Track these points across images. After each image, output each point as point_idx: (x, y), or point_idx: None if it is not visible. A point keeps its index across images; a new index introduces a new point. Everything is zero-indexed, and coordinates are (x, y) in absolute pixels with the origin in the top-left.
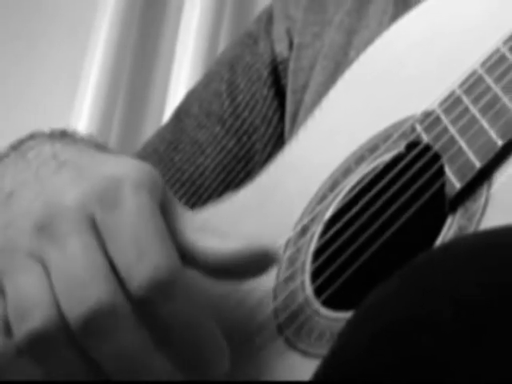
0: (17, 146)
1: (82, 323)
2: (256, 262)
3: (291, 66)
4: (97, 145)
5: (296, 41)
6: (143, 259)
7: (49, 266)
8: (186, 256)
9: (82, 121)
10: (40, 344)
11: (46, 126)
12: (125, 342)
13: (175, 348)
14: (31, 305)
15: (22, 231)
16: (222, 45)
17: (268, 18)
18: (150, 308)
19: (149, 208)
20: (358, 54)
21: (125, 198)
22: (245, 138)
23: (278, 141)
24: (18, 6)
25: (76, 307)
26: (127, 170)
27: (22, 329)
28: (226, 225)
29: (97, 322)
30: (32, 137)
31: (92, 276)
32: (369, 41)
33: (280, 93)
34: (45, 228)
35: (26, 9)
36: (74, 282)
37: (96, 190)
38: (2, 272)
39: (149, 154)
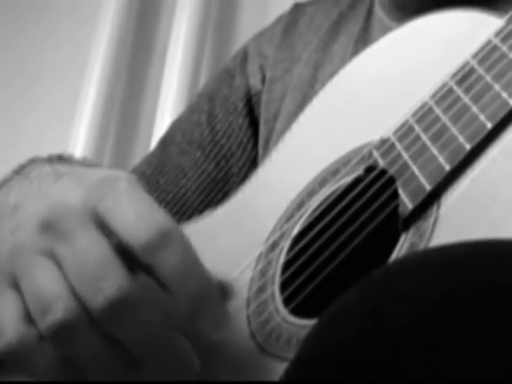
0: (19, 171)
1: (106, 310)
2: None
3: (264, 97)
4: (90, 164)
5: (268, 75)
6: (150, 228)
7: (60, 260)
8: None
9: (78, 149)
10: (64, 332)
11: (45, 153)
12: (147, 321)
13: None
14: (51, 298)
15: (28, 231)
16: (203, 80)
17: (243, 55)
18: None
19: (144, 196)
20: (323, 86)
21: (122, 190)
22: (223, 163)
23: (252, 164)
24: (18, 45)
25: (97, 296)
26: (119, 173)
27: (47, 321)
28: (204, 240)
29: (120, 306)
30: (32, 161)
31: (106, 266)
32: (332, 74)
33: (254, 122)
34: (50, 226)
35: (26, 48)
36: (90, 273)
37: (95, 189)
38: (15, 271)
39: (137, 177)
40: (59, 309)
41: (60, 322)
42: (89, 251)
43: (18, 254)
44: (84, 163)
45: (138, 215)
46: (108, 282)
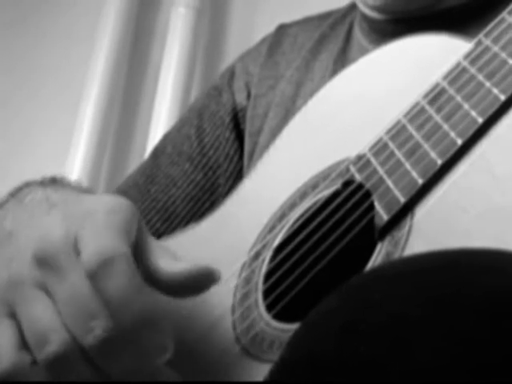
0: (14, 193)
1: (96, 348)
2: (201, 279)
3: (249, 113)
4: (81, 188)
5: (253, 92)
6: (93, 256)
7: (53, 295)
8: (151, 277)
9: (77, 160)
10: (59, 362)
11: (44, 172)
12: (133, 356)
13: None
14: (46, 331)
15: (24, 264)
16: (193, 98)
17: (230, 74)
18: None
19: (117, 223)
20: (304, 102)
21: (98, 220)
22: (210, 173)
23: (238, 175)
24: (17, 64)
25: (88, 335)
26: (101, 203)
27: (44, 352)
28: (191, 250)
29: (109, 345)
30: (27, 185)
31: (95, 305)
32: (313, 91)
33: (240, 135)
34: (43, 261)
35: (25, 67)
36: (80, 311)
37: (78, 224)
38: (13, 302)
39: (130, 186)
40: (55, 341)
41: (55, 354)
42: (78, 289)
43: (14, 286)
44: (76, 188)
45: (94, 246)
46: (97, 321)
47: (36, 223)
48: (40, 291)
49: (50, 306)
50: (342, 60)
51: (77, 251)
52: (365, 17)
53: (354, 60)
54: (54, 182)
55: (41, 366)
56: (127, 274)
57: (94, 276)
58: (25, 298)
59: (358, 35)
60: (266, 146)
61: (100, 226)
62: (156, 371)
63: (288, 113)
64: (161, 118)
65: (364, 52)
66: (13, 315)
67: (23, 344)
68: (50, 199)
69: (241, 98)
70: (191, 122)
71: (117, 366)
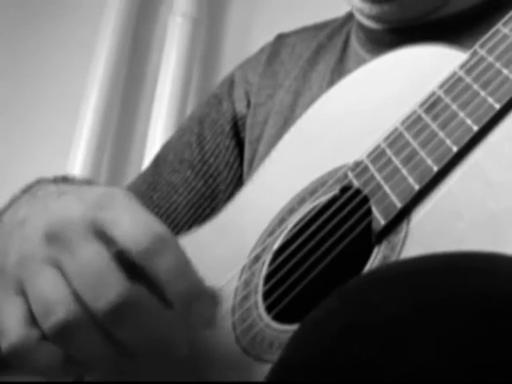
0: (26, 190)
1: (108, 313)
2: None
3: (248, 121)
4: (91, 183)
5: (253, 101)
6: (146, 234)
7: (63, 268)
8: None
9: (77, 165)
10: (65, 332)
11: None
12: (145, 319)
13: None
14: (53, 301)
15: (35, 243)
16: (190, 108)
17: (230, 82)
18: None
19: (140, 208)
20: (302, 111)
21: (119, 203)
22: (211, 180)
23: (238, 182)
24: (19, 73)
25: (100, 301)
26: (116, 189)
27: (49, 322)
28: (192, 254)
29: (120, 310)
30: (38, 182)
31: (107, 273)
32: (311, 101)
33: (240, 143)
34: (54, 237)
35: (26, 76)
36: (92, 280)
37: (94, 203)
38: (22, 278)
39: (133, 193)
40: (61, 311)
41: (62, 323)
42: (90, 260)
43: (24, 263)
44: (86, 182)
45: (134, 223)
46: (109, 287)
47: (48, 208)
48: (49, 266)
49: (58, 279)
50: (339, 70)
51: (98, 232)
52: (362, 26)
53: (351, 70)
54: (66, 180)
55: (48, 339)
56: (178, 248)
57: (149, 255)
58: (33, 273)
59: (355, 45)
60: (266, 154)
61: (128, 206)
62: (164, 341)
63: (287, 121)
64: (158, 125)
65: (361, 62)
66: (22, 292)
67: (32, 320)
68: (61, 190)
69: (241, 107)
70: (192, 129)
71: (127, 332)
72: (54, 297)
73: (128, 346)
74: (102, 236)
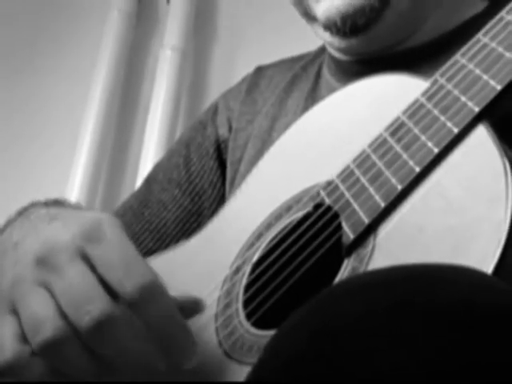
0: (22, 212)
1: (91, 329)
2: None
3: (230, 144)
4: (80, 207)
5: (234, 126)
6: (131, 272)
7: (51, 289)
8: None
9: (75, 188)
10: (52, 348)
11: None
12: (125, 336)
13: (158, 336)
14: (41, 320)
15: (26, 266)
16: (179, 132)
17: (214, 109)
18: (139, 308)
19: (124, 238)
20: (278, 134)
21: (106, 231)
22: (196, 198)
23: (221, 200)
24: (20, 104)
25: (84, 317)
26: (103, 215)
27: (38, 339)
28: (179, 265)
29: (103, 326)
30: (32, 205)
31: (92, 293)
32: (286, 126)
33: (222, 164)
34: (43, 261)
35: (28, 106)
36: (78, 298)
37: (82, 230)
38: (14, 299)
39: (125, 209)
40: (48, 329)
41: (48, 340)
42: (76, 280)
43: (17, 285)
44: (75, 207)
45: (126, 269)
46: (93, 305)
47: (38, 232)
48: (39, 287)
49: (47, 299)
50: (312, 97)
51: (82, 255)
52: (332, 58)
53: (323, 97)
54: (57, 203)
55: (38, 355)
56: (164, 296)
57: (138, 305)
58: (24, 294)
59: (327, 75)
60: (246, 174)
61: (116, 241)
62: (143, 355)
63: (264, 144)
64: (150, 150)
65: (332, 90)
66: (15, 311)
67: (24, 337)
68: (51, 213)
69: (223, 131)
70: (180, 152)
71: (108, 347)
72: (42, 316)
73: (108, 361)
74: (88, 261)
